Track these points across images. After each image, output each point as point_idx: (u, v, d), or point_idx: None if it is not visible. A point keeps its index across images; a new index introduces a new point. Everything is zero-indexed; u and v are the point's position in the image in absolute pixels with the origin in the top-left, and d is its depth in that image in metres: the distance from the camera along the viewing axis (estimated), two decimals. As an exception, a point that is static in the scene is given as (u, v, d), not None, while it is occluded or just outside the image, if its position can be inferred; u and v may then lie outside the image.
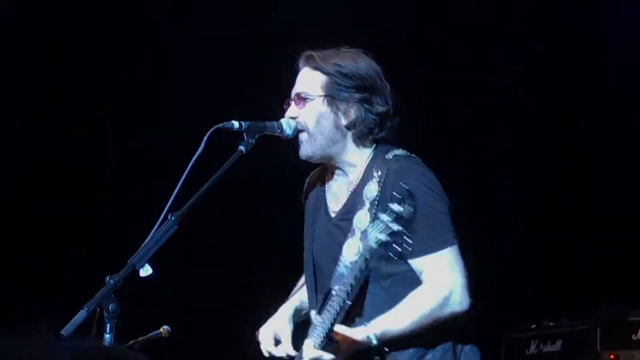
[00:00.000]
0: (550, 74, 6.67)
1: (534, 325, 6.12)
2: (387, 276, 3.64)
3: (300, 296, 3.98)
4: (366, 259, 3.44)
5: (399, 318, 3.57)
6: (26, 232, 6.07)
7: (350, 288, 3.48)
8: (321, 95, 3.72)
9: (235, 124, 3.64)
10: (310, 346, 3.54)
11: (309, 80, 3.75)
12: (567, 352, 5.87)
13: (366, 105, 3.72)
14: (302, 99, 3.74)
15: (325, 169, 3.90)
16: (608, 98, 6.60)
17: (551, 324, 6.09)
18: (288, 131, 3.71)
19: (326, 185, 3.87)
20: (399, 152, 3.74)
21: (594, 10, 6.61)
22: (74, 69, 6.34)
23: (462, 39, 6.62)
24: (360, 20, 6.34)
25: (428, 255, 3.60)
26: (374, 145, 3.75)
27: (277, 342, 3.82)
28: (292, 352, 3.74)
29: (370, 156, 3.74)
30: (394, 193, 3.39)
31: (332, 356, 3.51)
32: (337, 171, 3.80)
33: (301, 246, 3.96)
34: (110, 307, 3.37)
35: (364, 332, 3.52)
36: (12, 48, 6.30)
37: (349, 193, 3.75)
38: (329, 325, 3.51)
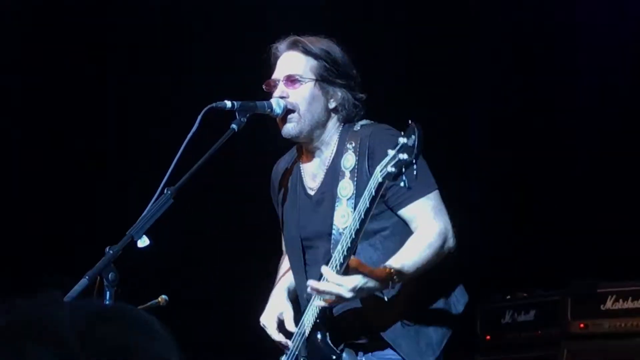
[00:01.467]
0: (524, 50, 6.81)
1: (508, 296, 6.25)
2: (373, 233, 3.80)
3: (286, 278, 4.12)
4: (372, 197, 3.52)
5: (410, 255, 3.68)
6: (30, 206, 6.15)
7: (350, 241, 3.61)
8: (313, 79, 3.89)
9: (228, 103, 3.79)
10: (330, 272, 3.61)
11: (300, 63, 3.91)
12: (540, 321, 5.98)
13: (350, 91, 3.93)
14: (294, 80, 3.89)
15: (296, 152, 4.06)
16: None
17: (525, 295, 6.21)
18: (278, 110, 3.85)
19: (301, 167, 4.03)
20: (364, 122, 3.94)
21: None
22: (72, 41, 6.38)
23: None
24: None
25: (417, 201, 3.76)
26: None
27: (281, 322, 3.95)
28: (295, 329, 3.88)
29: (340, 131, 3.92)
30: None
31: (357, 279, 3.57)
32: (314, 151, 3.95)
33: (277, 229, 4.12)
34: (110, 276, 3.52)
35: (383, 268, 3.62)
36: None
37: (325, 169, 3.92)
38: (341, 262, 3.62)
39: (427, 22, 6.66)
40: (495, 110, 6.84)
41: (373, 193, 3.53)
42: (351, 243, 3.60)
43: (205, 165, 3.72)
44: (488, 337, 6.28)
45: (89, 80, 6.39)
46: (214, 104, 3.79)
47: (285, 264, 4.17)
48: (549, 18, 6.77)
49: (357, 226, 3.59)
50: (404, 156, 3.40)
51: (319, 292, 3.64)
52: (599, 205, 6.49)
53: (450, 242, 3.78)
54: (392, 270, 3.61)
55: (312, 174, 3.98)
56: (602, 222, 6.45)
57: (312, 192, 3.97)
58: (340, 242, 3.64)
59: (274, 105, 3.86)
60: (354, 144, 3.83)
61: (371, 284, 3.59)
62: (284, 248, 4.18)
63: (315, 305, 3.75)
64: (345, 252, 3.62)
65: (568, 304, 5.87)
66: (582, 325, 5.81)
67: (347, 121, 3.93)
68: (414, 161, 3.39)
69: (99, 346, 1.21)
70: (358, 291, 3.59)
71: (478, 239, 6.62)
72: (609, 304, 5.76)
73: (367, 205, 3.55)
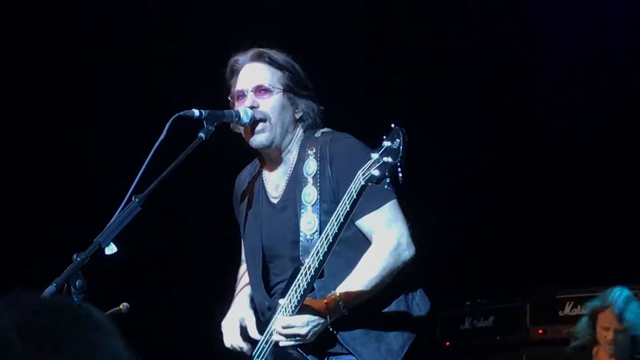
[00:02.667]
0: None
1: (467, 303, 6.32)
2: (338, 241, 3.77)
3: (247, 286, 4.13)
4: (353, 200, 3.52)
5: (360, 281, 3.74)
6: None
7: (322, 254, 3.63)
8: (281, 89, 3.92)
9: (196, 112, 3.79)
10: (282, 316, 3.71)
11: (267, 74, 3.93)
12: (499, 328, 6.08)
13: (311, 101, 3.97)
14: (264, 90, 3.91)
15: (258, 163, 4.09)
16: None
17: (484, 301, 6.28)
18: (245, 119, 3.86)
19: (263, 177, 4.05)
20: (324, 129, 3.98)
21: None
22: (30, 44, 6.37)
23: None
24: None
25: (371, 213, 3.77)
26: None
27: (243, 329, 3.97)
28: (258, 336, 3.90)
29: (301, 139, 3.96)
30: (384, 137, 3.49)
31: (306, 317, 3.68)
32: (277, 160, 3.97)
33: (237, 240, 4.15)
34: (77, 282, 3.51)
35: (333, 297, 3.70)
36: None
37: (288, 177, 3.95)
38: (302, 293, 3.68)
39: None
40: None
41: (355, 196, 3.52)
42: (328, 247, 3.62)
43: (173, 173, 3.73)
44: (447, 343, 6.35)
45: (53, 87, 6.36)
46: (181, 112, 3.79)
47: (244, 271, 4.18)
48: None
49: (336, 230, 3.59)
50: (388, 159, 3.40)
51: (284, 340, 3.73)
52: (557, 213, 6.58)
53: (406, 255, 3.80)
54: (337, 297, 3.68)
55: (274, 183, 4.01)
56: (559, 230, 6.54)
57: (275, 201, 3.99)
58: (315, 247, 3.66)
59: (242, 114, 3.88)
60: (314, 150, 3.88)
61: (320, 320, 3.69)
62: (243, 257, 4.20)
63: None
64: (321, 257, 3.64)
65: (527, 310, 5.95)
66: (540, 331, 5.91)
67: (310, 130, 3.97)
68: (398, 164, 3.39)
69: (37, 340, 1.22)
70: (311, 325, 3.69)
71: (438, 246, 6.69)
72: (567, 310, 5.84)
73: (348, 208, 3.55)
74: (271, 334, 3.83)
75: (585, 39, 6.66)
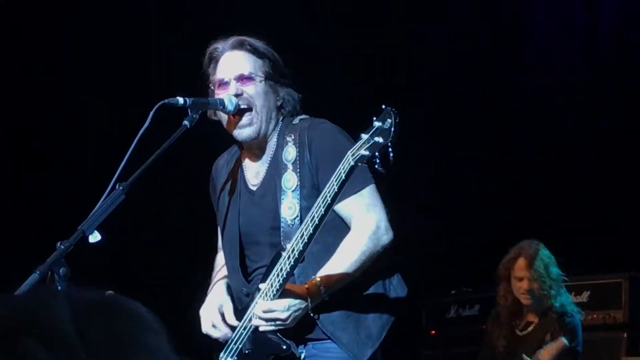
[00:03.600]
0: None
1: (453, 291, 6.34)
2: None
3: (224, 273, 4.13)
4: (341, 180, 3.50)
5: (341, 265, 3.75)
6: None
7: (307, 237, 3.63)
8: (263, 77, 3.92)
9: (180, 100, 3.78)
10: (262, 301, 3.69)
11: (249, 63, 3.92)
12: (484, 316, 6.08)
13: (291, 89, 3.97)
14: (247, 78, 3.90)
15: (236, 150, 4.09)
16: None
17: (470, 290, 6.30)
18: (230, 107, 3.85)
19: (242, 164, 4.05)
20: (302, 116, 3.99)
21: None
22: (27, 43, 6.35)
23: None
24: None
25: (349, 198, 3.76)
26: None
27: (221, 316, 3.97)
28: (236, 323, 3.91)
29: (280, 126, 3.96)
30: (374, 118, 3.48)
31: (287, 302, 3.67)
32: (257, 147, 3.97)
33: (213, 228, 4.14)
34: (60, 270, 3.50)
35: (314, 282, 3.70)
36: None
37: (267, 163, 3.95)
38: (284, 277, 3.69)
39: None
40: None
41: (343, 177, 3.50)
42: (314, 229, 3.61)
43: (157, 161, 3.73)
44: (433, 332, 6.37)
45: (40, 78, 6.35)
46: (166, 100, 3.79)
47: (221, 259, 4.19)
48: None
49: (322, 212, 3.58)
50: (379, 139, 3.39)
51: (259, 322, 3.71)
52: (543, 201, 6.61)
53: (385, 239, 3.80)
54: (318, 281, 3.68)
55: (254, 170, 4.01)
56: (546, 218, 6.57)
57: (254, 188, 3.99)
58: (300, 230, 3.66)
59: (227, 102, 3.87)
60: (293, 137, 3.88)
61: (301, 304, 3.68)
62: (219, 245, 4.21)
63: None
64: (306, 239, 3.63)
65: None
66: (526, 319, 5.88)
67: (287, 117, 3.97)
68: (389, 144, 3.39)
69: (96, 340, 1.20)
70: (292, 310, 3.68)
71: (424, 235, 6.71)
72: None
73: (336, 189, 3.54)
74: (249, 320, 3.84)
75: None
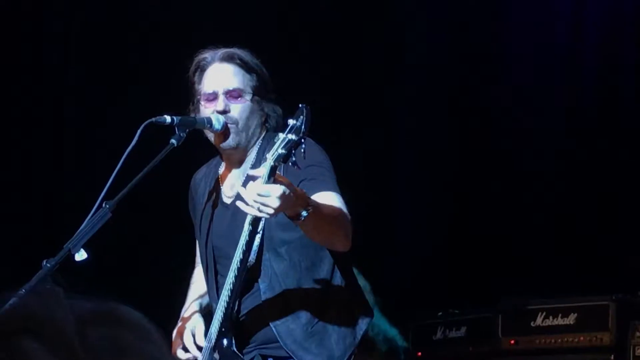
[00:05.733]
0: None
1: (440, 313, 6.33)
2: (282, 243, 3.83)
3: (198, 291, 4.14)
4: (265, 183, 3.44)
5: (325, 206, 3.67)
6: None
7: (244, 244, 3.64)
8: (251, 93, 3.93)
9: (167, 118, 3.81)
10: (257, 184, 3.47)
11: (238, 77, 3.92)
12: (471, 338, 6.05)
13: (275, 105, 3.98)
14: (236, 95, 3.91)
15: (216, 163, 4.10)
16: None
17: (456, 311, 6.29)
18: (217, 126, 3.86)
19: (220, 178, 4.05)
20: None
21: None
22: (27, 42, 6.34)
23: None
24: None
25: (323, 192, 3.73)
26: None
27: (193, 337, 3.95)
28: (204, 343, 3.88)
29: (261, 142, 3.96)
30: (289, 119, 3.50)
31: (282, 188, 3.44)
32: (237, 161, 3.98)
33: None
34: (46, 289, 3.54)
35: (304, 192, 3.58)
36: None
37: (242, 178, 3.93)
38: (229, 295, 3.70)
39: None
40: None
41: (266, 179, 3.45)
42: (249, 235, 3.62)
43: (144, 179, 3.73)
44: (419, 354, 6.35)
45: (27, 95, 6.34)
46: (153, 119, 3.81)
47: (197, 277, 4.19)
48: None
49: (252, 216, 3.57)
50: (292, 137, 3.45)
51: (247, 202, 3.48)
52: (530, 223, 6.61)
53: (349, 225, 3.76)
54: (308, 198, 3.58)
55: (230, 183, 4.01)
56: (532, 240, 6.58)
57: (228, 201, 3.99)
58: (240, 240, 3.67)
59: (214, 121, 3.88)
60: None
61: (292, 197, 3.48)
62: (197, 259, 4.20)
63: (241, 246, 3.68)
64: (244, 246, 3.65)
65: (499, 321, 5.95)
66: (512, 341, 5.89)
67: (270, 132, 3.98)
68: (302, 141, 3.45)
69: (97, 348, 1.20)
70: (283, 199, 3.43)
71: (411, 256, 6.71)
72: (539, 321, 5.85)
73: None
74: (210, 340, 3.81)
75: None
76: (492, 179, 6.78)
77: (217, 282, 3.95)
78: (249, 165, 3.94)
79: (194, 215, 4.14)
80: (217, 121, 3.88)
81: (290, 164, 3.47)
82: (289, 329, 3.82)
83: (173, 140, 3.81)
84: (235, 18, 6.36)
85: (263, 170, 3.48)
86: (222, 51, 3.97)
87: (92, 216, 3.66)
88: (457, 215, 6.86)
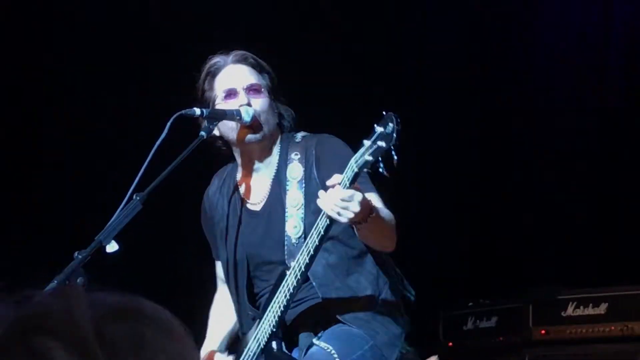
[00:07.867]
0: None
1: (471, 303, 6.33)
2: (328, 238, 3.78)
3: (219, 328, 4.14)
4: (346, 189, 3.46)
5: (382, 209, 3.72)
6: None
7: (313, 249, 3.62)
8: (267, 92, 3.96)
9: (197, 110, 3.83)
10: (340, 189, 3.48)
11: (255, 75, 3.96)
12: (502, 328, 6.04)
13: (287, 107, 4.00)
14: (256, 90, 3.93)
15: (227, 174, 4.11)
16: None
17: (487, 301, 6.28)
18: (247, 118, 3.87)
19: (239, 185, 4.04)
20: (303, 133, 4.00)
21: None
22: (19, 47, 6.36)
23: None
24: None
25: (368, 193, 3.70)
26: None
27: None
28: None
29: (280, 144, 3.97)
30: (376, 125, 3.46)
31: (361, 195, 3.49)
32: (257, 165, 3.98)
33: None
34: (78, 280, 3.57)
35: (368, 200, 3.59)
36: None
37: (271, 181, 3.95)
38: (292, 292, 3.68)
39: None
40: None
41: (347, 185, 3.47)
42: (319, 240, 3.59)
43: (174, 171, 3.76)
44: (450, 344, 6.35)
45: (54, 85, 6.37)
46: (182, 111, 3.83)
47: (217, 309, 4.19)
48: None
49: (328, 221, 3.56)
50: (382, 144, 3.36)
51: (326, 206, 3.51)
52: (559, 212, 6.59)
53: (395, 240, 3.80)
54: (372, 203, 3.60)
55: (255, 188, 4.00)
56: (562, 229, 6.56)
57: (256, 207, 3.99)
58: (306, 243, 3.65)
59: (243, 113, 3.89)
60: (299, 155, 3.89)
61: (369, 203, 3.54)
62: (219, 279, 4.19)
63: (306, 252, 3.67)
64: (312, 251, 3.63)
65: (529, 311, 5.94)
66: (543, 331, 5.88)
67: (285, 134, 3.99)
68: (392, 148, 3.36)
69: (116, 344, 1.17)
70: (363, 205, 3.50)
71: (441, 247, 6.71)
72: (569, 311, 5.84)
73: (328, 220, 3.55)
74: (258, 344, 3.81)
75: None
76: (519, 167, 6.77)
77: (253, 290, 3.96)
78: (274, 168, 3.94)
79: (211, 231, 4.12)
80: (247, 113, 3.89)
81: (379, 170, 3.42)
82: (348, 309, 3.82)
83: (202, 133, 3.83)
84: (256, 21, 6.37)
85: (340, 177, 3.48)
86: (234, 53, 4.00)
87: (122, 208, 3.68)
88: (486, 205, 6.85)
